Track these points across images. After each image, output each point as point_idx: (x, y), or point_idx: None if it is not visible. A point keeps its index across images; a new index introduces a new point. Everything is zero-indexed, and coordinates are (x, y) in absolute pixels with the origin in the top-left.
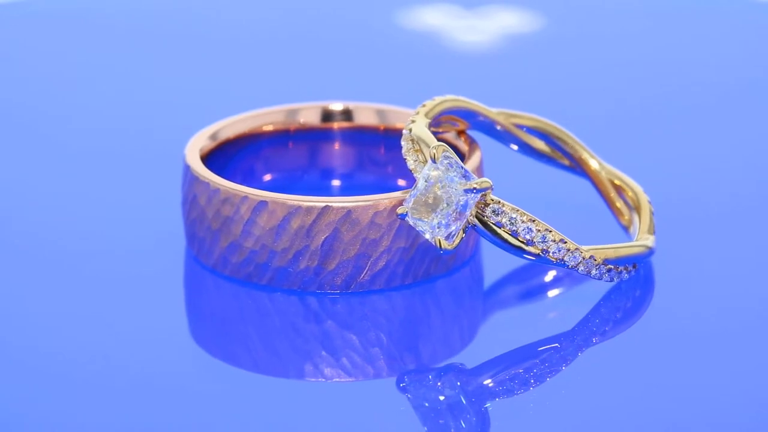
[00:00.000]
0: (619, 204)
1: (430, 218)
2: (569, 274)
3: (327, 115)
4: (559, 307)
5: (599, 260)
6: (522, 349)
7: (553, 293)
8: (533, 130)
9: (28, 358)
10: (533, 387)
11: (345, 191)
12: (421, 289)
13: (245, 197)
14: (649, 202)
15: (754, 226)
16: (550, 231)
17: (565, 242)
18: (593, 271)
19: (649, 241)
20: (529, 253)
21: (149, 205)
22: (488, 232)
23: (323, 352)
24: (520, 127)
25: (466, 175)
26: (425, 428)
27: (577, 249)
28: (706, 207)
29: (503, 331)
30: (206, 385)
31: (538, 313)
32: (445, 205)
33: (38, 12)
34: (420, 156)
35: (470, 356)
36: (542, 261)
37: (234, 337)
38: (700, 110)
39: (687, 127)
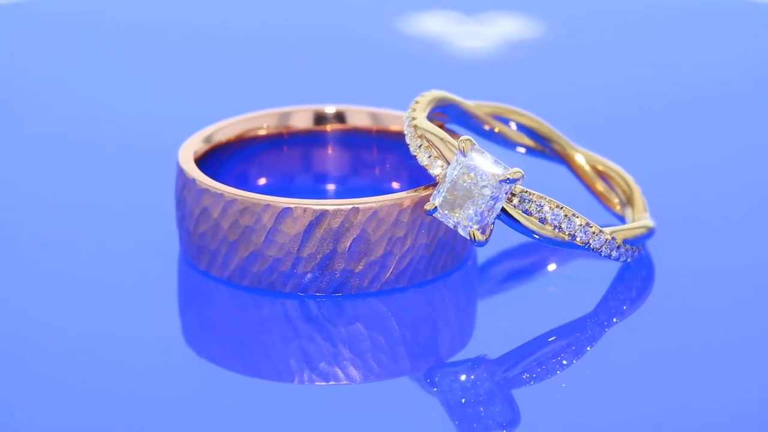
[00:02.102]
0: (602, 188)
1: (461, 211)
2: (562, 254)
3: (321, 118)
4: (573, 290)
5: (619, 241)
6: (547, 335)
7: (562, 276)
8: (505, 119)
9: (36, 368)
10: (560, 371)
11: (340, 195)
12: (440, 283)
13: (267, 205)
14: (636, 183)
15: (736, 209)
16: (576, 216)
17: (591, 226)
18: (613, 253)
19: (651, 220)
20: (557, 240)
21: (143, 214)
22: (517, 221)
23: (351, 355)
24: (503, 120)
25: (496, 166)
26: (457, 422)
27: (601, 232)
28: (698, 199)
29: (524, 317)
30: (245, 400)
31: (557, 297)
32: (477, 197)
33: (32, 15)
34: (433, 151)
35: (496, 345)
36: (569, 246)
37: (260, 346)
38: (702, 113)
39: (688, 129)
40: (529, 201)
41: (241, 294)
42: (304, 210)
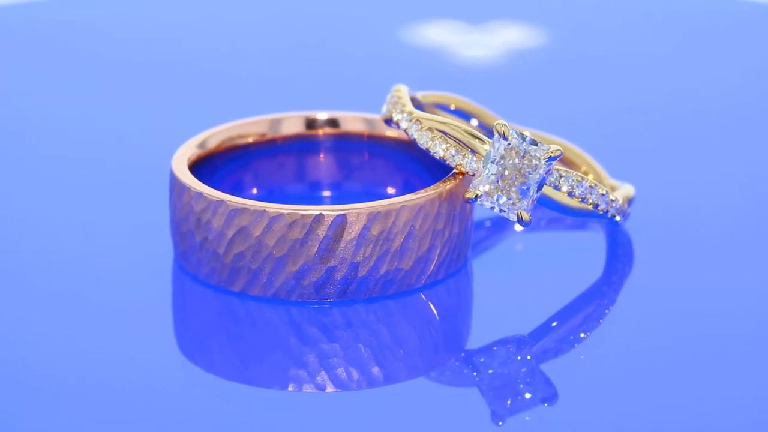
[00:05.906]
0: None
1: (509, 193)
2: (553, 222)
3: (314, 125)
4: (575, 258)
5: (625, 204)
6: (568, 307)
7: (562, 247)
8: (467, 116)
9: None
10: (587, 337)
11: (336, 200)
12: (466, 270)
13: (320, 215)
14: (586, 153)
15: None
16: (597, 185)
17: (609, 194)
18: (620, 217)
19: (629, 185)
20: (581, 211)
21: (135, 219)
22: (551, 197)
23: (403, 353)
24: (465, 116)
25: (537, 145)
26: (498, 402)
27: (616, 198)
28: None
29: (537, 293)
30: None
31: (568, 269)
32: (525, 177)
33: (27, 22)
34: (450, 142)
35: (524, 323)
36: (591, 215)
37: (323, 356)
38: (703, 119)
39: (689, 135)
40: (559, 176)
41: (288, 309)
42: (357, 215)
